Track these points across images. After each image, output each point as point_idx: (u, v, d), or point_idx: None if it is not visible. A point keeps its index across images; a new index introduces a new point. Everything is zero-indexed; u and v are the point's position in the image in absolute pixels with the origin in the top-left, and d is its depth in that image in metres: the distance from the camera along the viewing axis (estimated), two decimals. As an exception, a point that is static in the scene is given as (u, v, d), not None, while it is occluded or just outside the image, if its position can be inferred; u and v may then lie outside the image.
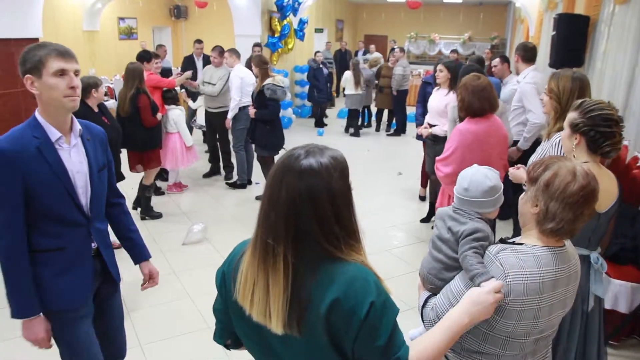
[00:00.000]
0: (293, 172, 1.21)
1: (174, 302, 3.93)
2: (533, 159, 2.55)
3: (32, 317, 1.93)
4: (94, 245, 2.11)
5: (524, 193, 1.67)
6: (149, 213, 5.62)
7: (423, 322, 1.66)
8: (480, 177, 1.69)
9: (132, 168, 5.42)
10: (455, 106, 3.97)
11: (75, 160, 1.97)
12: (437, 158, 3.79)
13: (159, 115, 5.45)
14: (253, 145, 6.24)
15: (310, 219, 1.20)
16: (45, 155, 1.86)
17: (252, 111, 5.86)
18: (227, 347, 1.52)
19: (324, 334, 1.22)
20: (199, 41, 8.48)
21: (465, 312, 1.44)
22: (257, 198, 6.22)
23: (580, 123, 2.13)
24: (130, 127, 5.20)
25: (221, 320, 1.49)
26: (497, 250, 1.56)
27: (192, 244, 4.95)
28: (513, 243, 1.61)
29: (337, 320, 1.20)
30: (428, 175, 5.68)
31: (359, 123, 10.55)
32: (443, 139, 4.98)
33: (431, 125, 5.20)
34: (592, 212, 1.55)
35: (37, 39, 5.05)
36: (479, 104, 3.42)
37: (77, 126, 2.00)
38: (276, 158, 6.02)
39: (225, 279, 1.42)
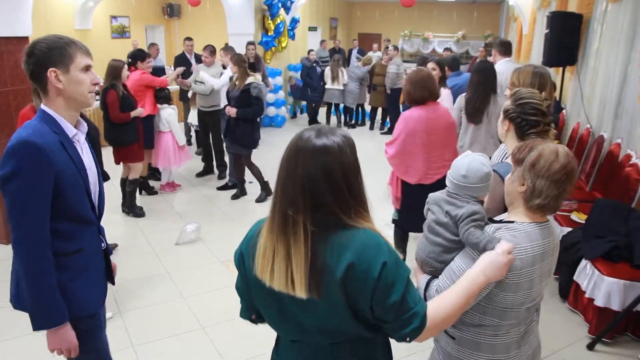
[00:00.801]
0: (307, 150, 1.34)
1: (166, 303, 3.91)
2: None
3: (61, 325, 1.81)
4: (103, 245, 2.07)
5: (510, 174, 1.78)
6: (132, 210, 5.61)
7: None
8: (477, 164, 1.75)
9: (116, 161, 5.47)
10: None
11: (86, 157, 1.93)
12: (385, 142, 4.00)
13: (137, 112, 5.39)
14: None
15: (325, 191, 1.32)
16: (69, 151, 1.81)
17: (232, 111, 5.75)
18: (253, 321, 1.65)
19: (341, 296, 1.33)
20: (189, 38, 8.46)
21: (482, 271, 1.54)
22: (234, 197, 6.28)
23: (510, 110, 2.24)
24: (104, 122, 5.32)
25: (244, 297, 1.61)
26: (493, 230, 1.69)
27: (186, 244, 4.92)
28: (501, 222, 1.74)
29: (353, 282, 1.31)
30: None
31: (347, 120, 10.92)
32: None
33: None
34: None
35: (27, 38, 5.00)
36: (418, 93, 3.73)
37: (84, 123, 1.95)
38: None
39: (244, 257, 1.51)
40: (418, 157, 3.76)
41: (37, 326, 1.79)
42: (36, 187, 1.71)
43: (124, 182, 5.61)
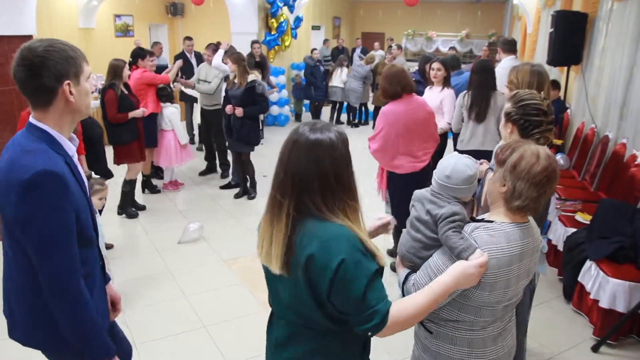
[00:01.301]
0: (301, 141, 1.46)
1: (169, 302, 3.90)
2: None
3: (114, 352, 1.70)
4: (100, 262, 1.91)
5: (492, 174, 1.81)
6: (125, 210, 5.55)
7: (404, 297, 1.73)
8: (461, 166, 1.77)
9: (115, 161, 5.43)
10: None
11: (81, 173, 1.78)
12: (368, 137, 4.22)
13: (137, 112, 5.33)
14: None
15: (313, 179, 1.44)
16: (74, 172, 1.66)
17: (239, 110, 5.67)
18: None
19: (303, 279, 1.45)
20: (188, 38, 8.46)
21: (453, 279, 1.58)
22: (236, 196, 6.26)
23: (512, 112, 2.28)
24: (103, 121, 5.29)
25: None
26: (471, 229, 1.70)
27: (188, 243, 4.91)
28: (483, 221, 1.76)
29: (312, 272, 1.43)
30: None
31: (350, 119, 11.05)
32: (441, 136, 4.96)
33: None
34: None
35: (30, 36, 5.01)
36: (392, 87, 3.95)
37: (74, 136, 1.77)
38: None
39: None
40: (401, 148, 3.97)
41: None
42: (66, 221, 1.56)
43: (124, 181, 5.55)
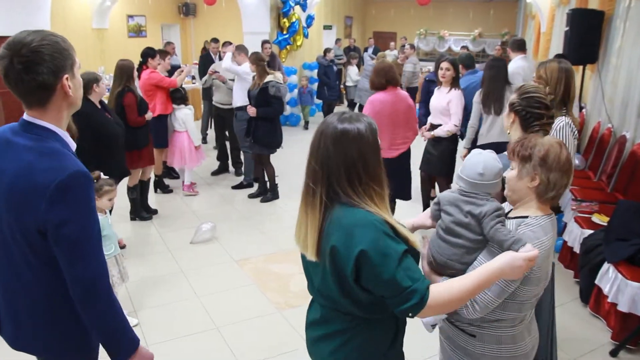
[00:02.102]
0: (329, 131, 1.51)
1: (181, 302, 3.89)
2: None
3: (139, 345, 1.68)
4: None
5: (511, 172, 1.82)
6: (138, 214, 5.49)
7: None
8: (492, 161, 1.78)
9: (129, 167, 5.32)
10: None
11: None
12: None
13: (148, 115, 5.26)
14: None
15: (339, 163, 1.49)
16: None
17: (252, 110, 5.71)
18: None
19: (329, 266, 1.51)
20: (215, 40, 8.39)
21: (500, 268, 1.55)
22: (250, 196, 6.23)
23: (516, 103, 2.36)
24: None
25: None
26: (515, 227, 1.74)
27: (201, 243, 4.91)
28: (515, 218, 1.79)
29: (336, 262, 1.49)
30: (423, 177, 5.39)
31: None
32: (446, 139, 4.94)
33: (433, 126, 5.02)
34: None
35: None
36: (378, 79, 4.47)
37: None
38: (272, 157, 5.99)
39: None
40: (383, 135, 4.19)
41: (126, 356, 1.63)
42: (97, 222, 1.56)
43: (140, 185, 5.48)
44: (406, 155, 4.76)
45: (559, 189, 1.73)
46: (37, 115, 1.53)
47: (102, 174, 3.50)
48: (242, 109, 6.22)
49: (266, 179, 6.26)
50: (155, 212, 5.68)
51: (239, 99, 6.29)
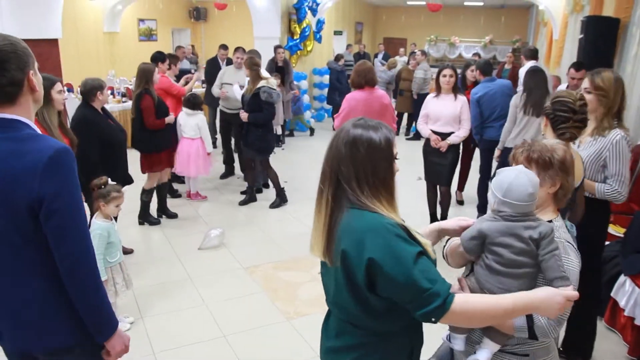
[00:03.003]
0: (342, 135, 1.52)
1: (188, 309, 3.85)
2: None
3: (118, 325, 1.77)
4: None
5: None
6: (147, 218, 5.45)
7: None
8: (534, 177, 1.68)
9: (143, 169, 5.30)
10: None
11: None
12: (335, 115, 5.07)
13: (170, 118, 5.26)
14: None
15: (349, 164, 1.48)
16: None
17: (243, 115, 5.69)
18: None
19: (342, 271, 1.49)
20: (224, 47, 8.35)
21: (538, 301, 1.50)
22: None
23: (547, 107, 2.52)
24: (134, 127, 5.17)
25: None
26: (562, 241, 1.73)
27: (209, 249, 4.86)
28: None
29: (348, 267, 1.47)
30: (442, 191, 5.32)
31: None
32: (454, 148, 4.96)
33: (441, 135, 4.95)
34: None
35: (56, 40, 5.05)
36: (358, 79, 4.83)
37: None
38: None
39: None
40: None
41: (107, 335, 1.71)
42: (80, 196, 1.63)
43: (157, 187, 5.45)
44: None
45: (571, 191, 1.78)
46: (5, 111, 1.59)
47: (109, 179, 3.46)
48: None
49: (269, 184, 6.24)
50: (175, 215, 5.65)
51: None
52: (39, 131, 1.63)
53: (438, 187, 5.34)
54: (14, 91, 1.57)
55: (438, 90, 4.99)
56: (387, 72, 10.32)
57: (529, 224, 1.63)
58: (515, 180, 1.64)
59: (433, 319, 1.41)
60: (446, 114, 4.91)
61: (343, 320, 1.60)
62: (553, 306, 1.50)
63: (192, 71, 8.57)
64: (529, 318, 1.62)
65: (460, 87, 6.03)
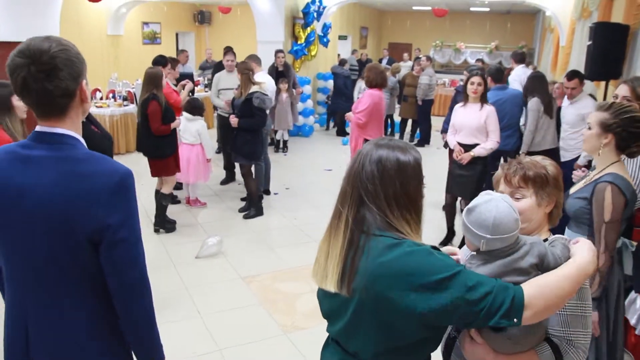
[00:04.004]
0: (367, 149, 1.42)
1: (183, 321, 3.73)
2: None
3: None
4: None
5: (526, 201, 1.64)
6: (164, 225, 5.36)
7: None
8: (512, 202, 1.52)
9: (153, 174, 5.25)
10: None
11: None
12: (357, 111, 5.13)
13: (176, 123, 5.19)
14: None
15: (376, 179, 1.36)
16: None
17: (234, 120, 5.55)
18: None
19: (374, 314, 1.34)
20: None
21: (587, 260, 1.41)
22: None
23: (613, 124, 2.27)
24: (141, 132, 5.09)
25: None
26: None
27: (206, 258, 4.76)
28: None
29: (387, 312, 1.32)
30: (450, 200, 5.23)
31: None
32: (481, 159, 4.70)
33: (465, 147, 4.72)
34: None
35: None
36: (378, 79, 5.12)
37: None
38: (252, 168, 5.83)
39: None
40: (376, 126, 5.17)
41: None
42: (139, 221, 1.53)
43: (157, 193, 5.35)
44: None
45: (561, 208, 1.68)
46: (55, 125, 1.45)
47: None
48: None
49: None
50: (173, 222, 5.54)
51: None
52: (85, 147, 1.50)
53: (459, 200, 5.21)
54: (65, 102, 1.43)
55: (466, 98, 4.76)
56: (390, 78, 10.20)
57: (523, 250, 1.46)
58: (498, 212, 1.45)
59: (515, 319, 1.28)
60: (469, 125, 4.67)
61: (348, 352, 1.47)
62: (591, 259, 1.42)
63: (202, 77, 8.46)
64: (557, 352, 1.48)
65: (462, 91, 5.92)
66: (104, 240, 1.41)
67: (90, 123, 4.08)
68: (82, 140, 1.50)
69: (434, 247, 1.37)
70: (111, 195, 1.40)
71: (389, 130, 11.01)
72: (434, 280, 1.27)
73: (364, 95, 5.20)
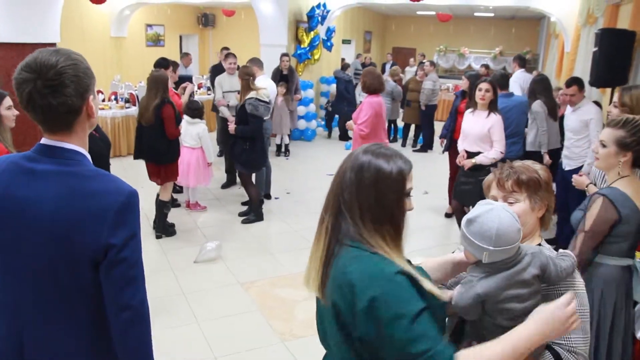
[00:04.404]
0: (352, 157, 1.39)
1: (179, 328, 3.68)
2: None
3: None
4: None
5: (519, 205, 1.62)
6: (166, 231, 5.30)
7: None
8: (510, 209, 1.49)
9: (152, 178, 5.19)
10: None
11: None
12: (359, 122, 5.05)
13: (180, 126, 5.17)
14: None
15: (353, 191, 1.34)
16: None
17: (231, 127, 5.50)
18: None
19: (333, 311, 1.32)
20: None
21: (536, 330, 1.31)
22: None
23: (632, 142, 2.27)
24: (151, 137, 4.97)
25: None
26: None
27: (205, 263, 4.70)
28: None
29: (340, 320, 1.31)
30: (457, 207, 5.13)
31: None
32: (485, 167, 4.59)
33: (469, 154, 4.69)
34: None
35: (54, 44, 4.93)
36: (377, 83, 5.14)
37: None
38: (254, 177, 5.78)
39: None
40: (380, 133, 5.17)
41: None
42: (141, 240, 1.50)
43: (162, 202, 5.27)
44: None
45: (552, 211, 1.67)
46: (61, 139, 1.43)
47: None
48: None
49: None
50: (172, 225, 5.49)
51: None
52: (91, 163, 1.48)
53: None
54: (72, 119, 1.41)
55: (475, 105, 4.69)
56: (389, 82, 10.11)
57: (525, 261, 1.43)
58: (501, 223, 1.40)
59: None
60: (473, 132, 4.61)
61: None
62: (557, 323, 1.31)
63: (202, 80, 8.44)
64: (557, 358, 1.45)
65: (459, 96, 5.87)
66: (105, 260, 1.38)
67: None
68: (88, 156, 1.48)
69: (409, 262, 1.35)
70: (117, 214, 1.38)
71: (392, 136, 10.97)
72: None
73: (364, 105, 5.07)
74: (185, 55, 9.75)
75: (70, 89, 1.35)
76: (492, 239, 1.39)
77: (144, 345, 1.47)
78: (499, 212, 1.42)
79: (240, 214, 5.91)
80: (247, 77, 5.45)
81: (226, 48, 8.28)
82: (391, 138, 10.87)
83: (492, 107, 4.56)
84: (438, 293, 1.32)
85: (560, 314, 1.32)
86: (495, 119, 4.52)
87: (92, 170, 1.44)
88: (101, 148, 4.02)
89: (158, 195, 5.28)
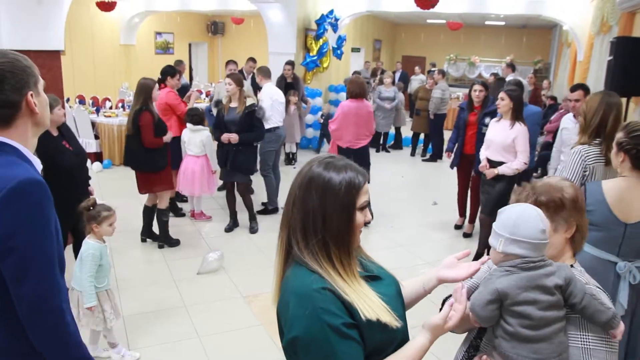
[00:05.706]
0: (304, 169, 1.33)
1: (180, 342, 3.57)
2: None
3: None
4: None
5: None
6: (168, 241, 5.19)
7: None
8: (541, 212, 1.44)
9: (141, 190, 5.05)
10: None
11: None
12: (329, 120, 5.90)
13: (168, 136, 4.98)
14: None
15: (298, 209, 1.28)
16: None
17: (233, 137, 5.23)
18: None
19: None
20: (252, 60, 8.20)
21: (430, 340, 1.33)
22: None
23: (624, 142, 2.38)
24: (131, 145, 4.86)
25: None
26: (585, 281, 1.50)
27: (208, 274, 4.59)
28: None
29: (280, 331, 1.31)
30: (481, 219, 4.98)
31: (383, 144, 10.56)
32: (506, 178, 4.54)
33: (491, 162, 4.61)
34: None
35: (58, 52, 4.88)
36: (357, 90, 5.65)
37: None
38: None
39: None
40: (349, 131, 5.68)
41: None
42: (52, 234, 1.45)
43: (147, 209, 5.16)
44: (366, 147, 5.91)
45: (586, 231, 1.59)
46: (0, 134, 1.48)
47: (96, 199, 3.25)
48: (270, 130, 6.05)
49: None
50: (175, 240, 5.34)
51: (274, 119, 6.14)
52: (30, 157, 1.51)
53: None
54: (10, 113, 1.47)
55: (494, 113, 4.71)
56: (387, 90, 9.93)
57: (549, 269, 1.38)
58: (522, 214, 1.39)
59: None
60: (497, 141, 4.56)
61: None
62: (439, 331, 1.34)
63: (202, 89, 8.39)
64: None
65: (466, 108, 5.75)
66: None
67: (62, 138, 3.86)
68: (24, 150, 1.50)
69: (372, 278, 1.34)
70: (2, 201, 1.37)
71: (390, 142, 10.77)
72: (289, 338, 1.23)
73: (339, 106, 5.84)
74: (179, 63, 9.65)
75: (4, 84, 1.43)
76: (509, 226, 1.38)
77: (55, 335, 1.45)
78: (526, 207, 1.43)
79: (227, 229, 5.76)
80: (241, 85, 5.37)
81: (253, 60, 8.22)
82: (388, 145, 10.67)
83: (515, 116, 4.51)
84: (388, 320, 1.26)
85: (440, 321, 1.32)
86: (520, 129, 4.48)
87: (7, 159, 1.44)
88: (73, 163, 3.82)
89: (146, 205, 5.14)
